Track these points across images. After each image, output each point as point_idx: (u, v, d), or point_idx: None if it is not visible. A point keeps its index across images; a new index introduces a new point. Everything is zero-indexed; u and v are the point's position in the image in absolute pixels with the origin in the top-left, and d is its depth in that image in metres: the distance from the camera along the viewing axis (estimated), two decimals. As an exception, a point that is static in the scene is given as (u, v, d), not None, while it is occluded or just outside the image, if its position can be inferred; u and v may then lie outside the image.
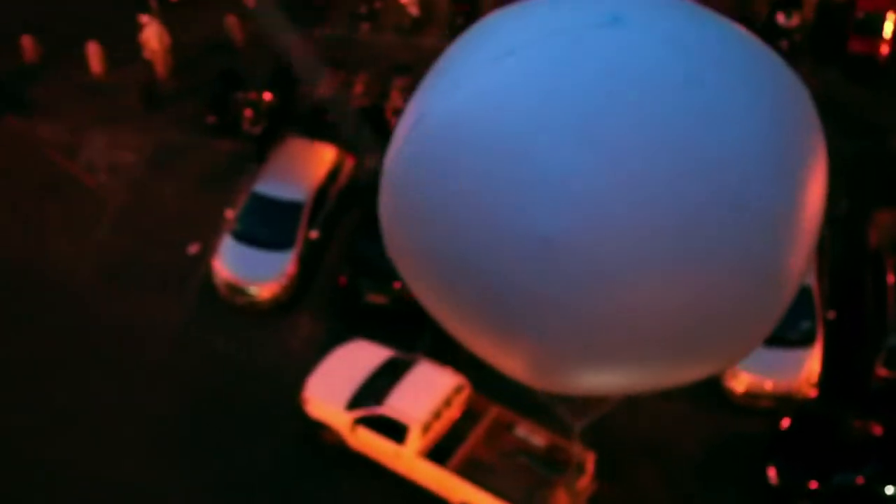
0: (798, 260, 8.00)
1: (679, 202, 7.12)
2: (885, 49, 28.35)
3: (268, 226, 25.71)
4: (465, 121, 7.67)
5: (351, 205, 26.37)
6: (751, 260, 7.50)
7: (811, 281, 23.16)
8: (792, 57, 27.64)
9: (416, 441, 22.05)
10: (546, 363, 8.39)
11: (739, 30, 8.30)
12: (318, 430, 23.12)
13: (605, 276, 7.23)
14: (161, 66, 29.59)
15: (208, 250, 25.88)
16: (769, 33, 28.17)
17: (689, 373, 8.75)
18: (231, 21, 29.68)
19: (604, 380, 8.71)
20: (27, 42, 30.16)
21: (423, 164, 8.01)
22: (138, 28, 29.35)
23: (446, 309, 8.58)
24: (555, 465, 21.80)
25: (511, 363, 8.61)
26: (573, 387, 8.80)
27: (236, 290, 25.33)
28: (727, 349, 8.63)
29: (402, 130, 8.37)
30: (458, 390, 22.43)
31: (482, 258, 7.60)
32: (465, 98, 7.81)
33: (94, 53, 29.69)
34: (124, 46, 29.58)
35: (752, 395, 22.88)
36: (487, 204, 7.36)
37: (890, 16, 28.20)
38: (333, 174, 26.57)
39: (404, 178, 8.30)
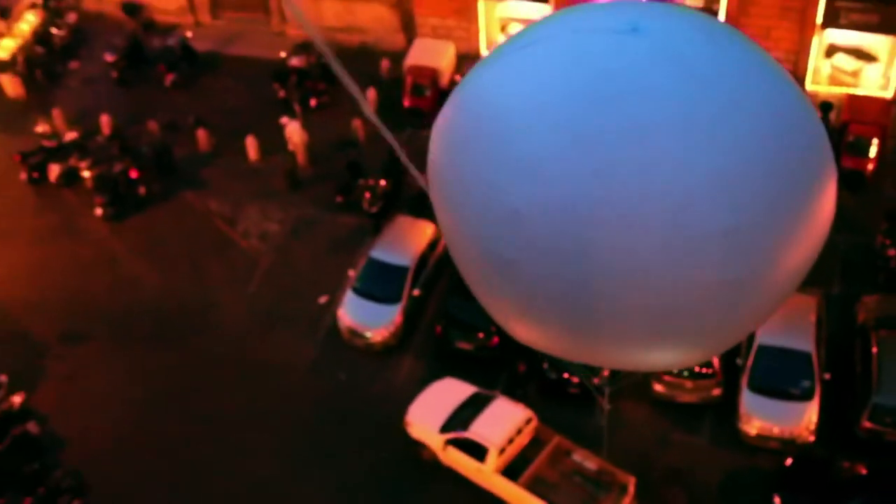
0: (780, 272, 7.00)
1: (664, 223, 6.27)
2: (870, 166, 28.26)
3: (381, 284, 25.97)
4: (475, 102, 7.23)
5: (445, 270, 26.41)
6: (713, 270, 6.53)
7: (811, 348, 23.15)
8: None
9: (493, 460, 22.17)
10: (525, 319, 7.71)
11: (760, 55, 7.17)
12: (417, 448, 23.25)
13: (569, 251, 6.46)
14: (301, 157, 29.85)
15: (334, 301, 26.16)
16: None
17: (664, 353, 7.75)
18: (356, 124, 30.20)
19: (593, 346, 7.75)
20: (201, 134, 30.58)
21: (443, 138, 7.54)
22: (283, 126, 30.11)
23: (463, 265, 7.89)
24: (603, 485, 21.87)
25: (500, 316, 7.94)
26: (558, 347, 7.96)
27: (355, 334, 25.59)
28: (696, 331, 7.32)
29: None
30: (527, 421, 22.57)
31: (471, 225, 7.19)
32: (483, 81, 7.35)
33: (251, 144, 30.06)
34: (274, 140, 29.88)
35: (762, 438, 22.80)
36: (476, 178, 6.87)
37: (874, 140, 28.27)
38: (432, 245, 26.77)
39: (434, 147, 7.67)
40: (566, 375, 23.05)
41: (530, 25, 7.70)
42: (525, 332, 7.88)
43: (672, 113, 6.28)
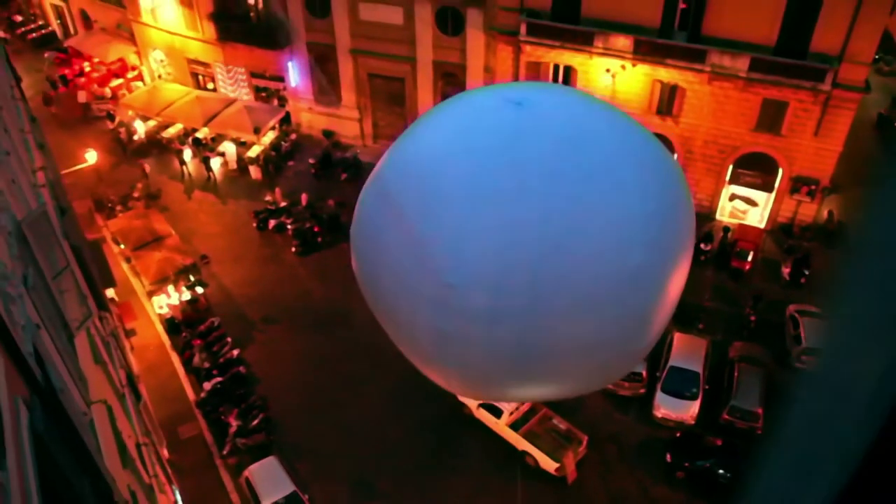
0: (661, 312, 5.13)
1: (566, 258, 4.38)
2: (748, 267, 27.95)
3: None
4: (388, 179, 5.03)
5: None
6: (620, 308, 4.71)
7: (700, 370, 23.24)
8: (705, 266, 28.14)
9: (505, 418, 22.26)
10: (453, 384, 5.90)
11: (627, 123, 4.95)
12: (461, 407, 23.06)
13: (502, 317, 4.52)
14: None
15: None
16: (696, 253, 28.39)
17: (574, 387, 5.73)
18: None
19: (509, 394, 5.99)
20: None
21: (363, 222, 5.36)
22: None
23: (391, 334, 5.81)
24: (569, 438, 21.86)
25: (434, 377, 5.91)
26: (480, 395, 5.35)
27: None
28: (596, 373, 5.47)
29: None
30: (527, 397, 22.61)
31: (399, 300, 5.09)
32: (393, 159, 5.12)
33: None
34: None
35: (665, 420, 22.79)
36: (404, 255, 4.73)
37: (752, 252, 27.98)
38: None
39: (357, 225, 5.47)
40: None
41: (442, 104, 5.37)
42: (443, 381, 5.92)
43: (568, 172, 4.32)
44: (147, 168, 34.82)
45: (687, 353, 23.81)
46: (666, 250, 4.88)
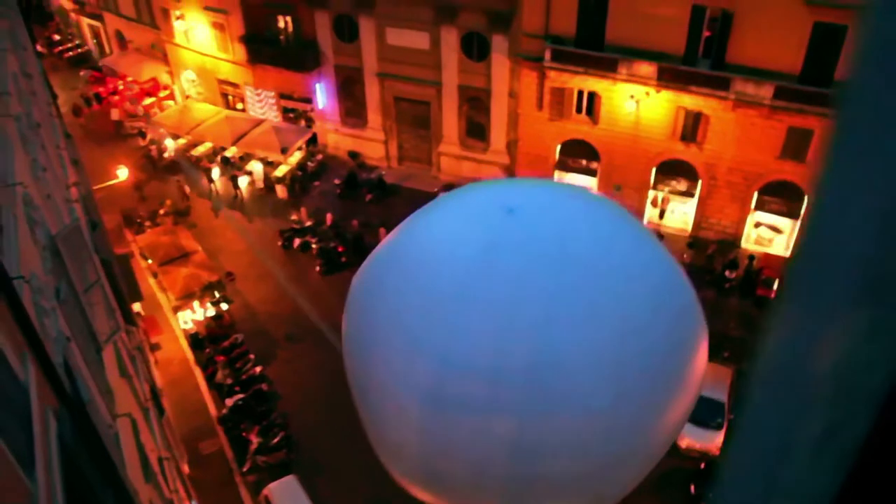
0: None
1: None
2: (773, 295, 27.82)
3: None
4: (371, 275, 4.57)
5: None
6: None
7: (725, 399, 22.95)
8: (730, 294, 27.94)
9: None
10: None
11: (633, 229, 4.13)
12: None
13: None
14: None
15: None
16: (720, 280, 28.19)
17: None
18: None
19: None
20: (382, 231, 29.84)
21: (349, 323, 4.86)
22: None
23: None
24: None
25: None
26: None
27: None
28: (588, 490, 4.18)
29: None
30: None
31: (372, 407, 4.71)
32: (379, 256, 4.54)
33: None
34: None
35: (689, 449, 22.41)
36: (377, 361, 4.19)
37: (777, 280, 27.52)
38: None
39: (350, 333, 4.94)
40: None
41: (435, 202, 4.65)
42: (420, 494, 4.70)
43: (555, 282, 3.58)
44: (187, 189, 35.24)
45: (712, 381, 23.42)
46: (645, 396, 3.86)
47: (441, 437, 3.94)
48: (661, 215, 31.98)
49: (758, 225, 30.46)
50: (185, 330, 27.54)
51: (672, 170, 30.68)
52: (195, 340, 27.06)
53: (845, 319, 0.84)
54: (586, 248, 3.84)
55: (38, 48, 45.77)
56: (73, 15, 49.80)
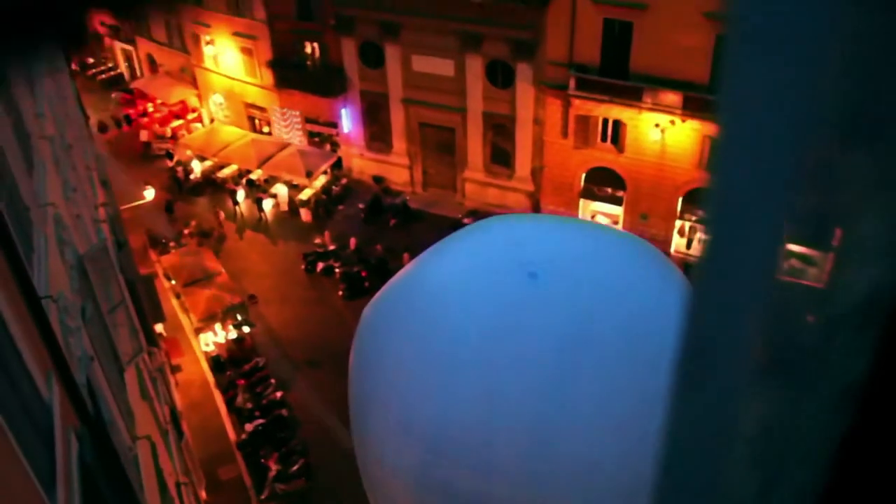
0: None
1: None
2: None
3: None
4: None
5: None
6: None
7: None
8: None
9: None
10: None
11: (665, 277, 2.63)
12: None
13: None
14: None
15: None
16: None
17: None
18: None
19: None
20: (406, 256, 29.41)
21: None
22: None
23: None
24: None
25: None
26: None
27: None
28: None
29: None
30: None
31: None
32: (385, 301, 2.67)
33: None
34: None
35: None
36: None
37: None
38: None
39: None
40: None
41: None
42: None
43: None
44: (222, 215, 35.52)
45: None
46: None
47: None
48: (689, 245, 31.76)
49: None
50: (206, 352, 27.68)
51: (699, 199, 30.45)
52: (216, 363, 27.17)
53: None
54: (612, 329, 2.77)
55: (73, 67, 46.95)
56: (107, 39, 51.00)
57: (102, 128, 42.01)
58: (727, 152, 0.65)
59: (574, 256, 3.03)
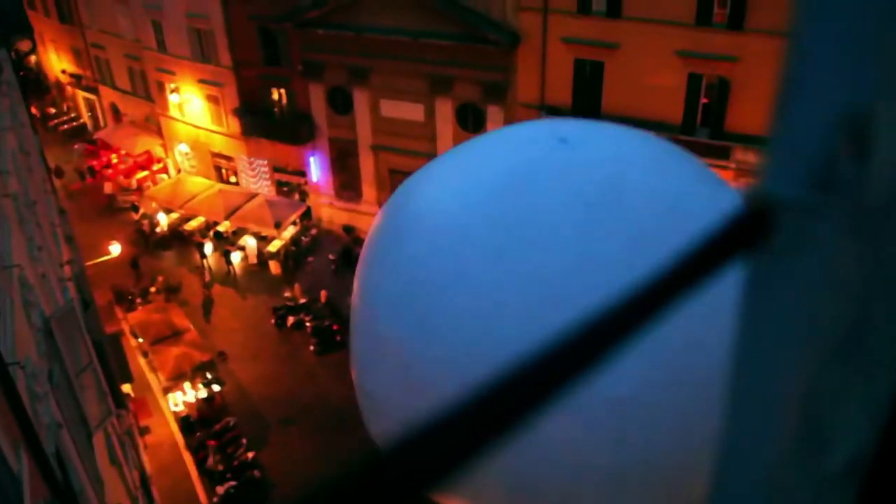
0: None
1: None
2: None
3: None
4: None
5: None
6: None
7: None
8: None
9: None
10: None
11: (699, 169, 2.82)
12: None
13: None
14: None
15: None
16: None
17: None
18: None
19: None
20: None
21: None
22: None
23: None
24: None
25: None
26: None
27: None
28: None
29: None
30: None
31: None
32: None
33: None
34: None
35: None
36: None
37: None
38: None
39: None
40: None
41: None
42: None
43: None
44: (207, 277, 35.13)
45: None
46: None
47: None
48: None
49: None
50: (175, 412, 27.18)
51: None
52: (186, 424, 26.67)
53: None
54: (641, 195, 2.67)
55: (35, 115, 46.58)
56: (69, 88, 50.88)
57: (59, 173, 41.11)
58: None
59: (609, 135, 3.00)
